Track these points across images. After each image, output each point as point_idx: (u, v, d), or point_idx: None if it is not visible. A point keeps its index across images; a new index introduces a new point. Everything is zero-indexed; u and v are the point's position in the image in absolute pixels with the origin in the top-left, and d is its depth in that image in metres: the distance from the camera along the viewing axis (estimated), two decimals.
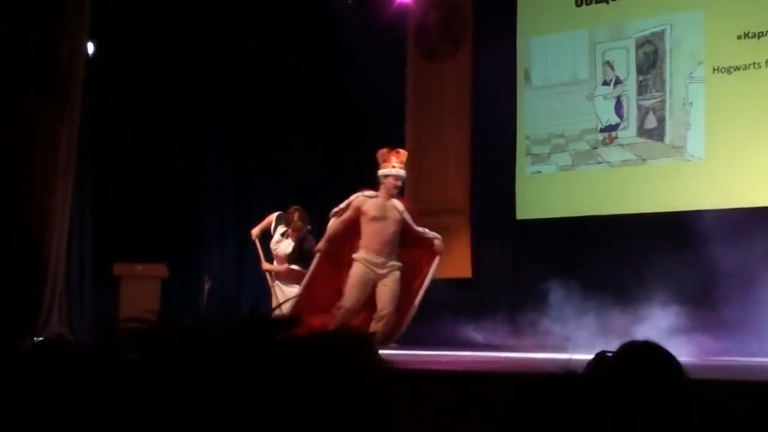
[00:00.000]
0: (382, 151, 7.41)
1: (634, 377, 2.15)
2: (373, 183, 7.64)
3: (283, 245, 8.51)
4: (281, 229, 8.53)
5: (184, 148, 10.05)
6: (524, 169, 9.66)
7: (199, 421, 0.83)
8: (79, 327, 9.22)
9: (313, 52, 10.53)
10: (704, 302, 7.94)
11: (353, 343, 0.91)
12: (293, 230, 8.42)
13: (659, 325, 7.87)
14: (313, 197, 10.39)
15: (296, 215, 8.40)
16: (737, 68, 8.56)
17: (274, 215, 8.61)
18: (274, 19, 10.37)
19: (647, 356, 2.27)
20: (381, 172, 7.42)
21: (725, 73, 8.63)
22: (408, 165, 10.33)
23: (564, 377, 1.25)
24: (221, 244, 10.42)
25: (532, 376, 1.27)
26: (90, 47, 9.41)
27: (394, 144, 10.24)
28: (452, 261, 9.79)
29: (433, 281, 7.60)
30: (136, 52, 9.84)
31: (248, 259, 10.41)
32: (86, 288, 9.68)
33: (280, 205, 10.27)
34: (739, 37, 8.57)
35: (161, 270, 9.03)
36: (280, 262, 8.53)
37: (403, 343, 8.43)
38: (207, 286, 9.91)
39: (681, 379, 2.22)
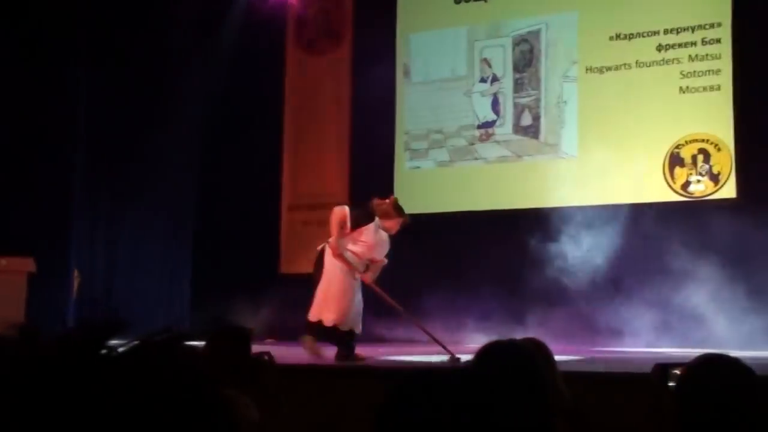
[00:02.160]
0: None
1: (494, 369, 2.20)
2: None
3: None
4: (377, 222, 7.24)
5: (51, 135, 9.65)
6: (403, 165, 9.70)
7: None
8: None
9: (189, 42, 10.28)
10: (577, 296, 8.14)
11: (182, 352, 0.86)
12: (403, 221, 7.24)
13: (533, 317, 8.02)
14: (189, 186, 10.18)
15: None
16: (609, 68, 8.81)
17: (344, 209, 7.21)
18: (149, 4, 10.09)
19: (508, 351, 2.32)
20: None
21: (597, 73, 8.86)
22: (287, 158, 10.30)
23: (434, 372, 1.23)
24: (91, 236, 10.07)
25: (404, 372, 1.24)
26: None
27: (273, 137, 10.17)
28: None
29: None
30: (1, 34, 9.41)
31: (120, 251, 10.12)
32: None
33: (154, 195, 10.03)
34: (611, 38, 8.81)
35: (28, 264, 8.63)
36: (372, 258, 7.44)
37: (288, 340, 8.34)
38: (76, 282, 9.58)
39: (539, 372, 2.27)
